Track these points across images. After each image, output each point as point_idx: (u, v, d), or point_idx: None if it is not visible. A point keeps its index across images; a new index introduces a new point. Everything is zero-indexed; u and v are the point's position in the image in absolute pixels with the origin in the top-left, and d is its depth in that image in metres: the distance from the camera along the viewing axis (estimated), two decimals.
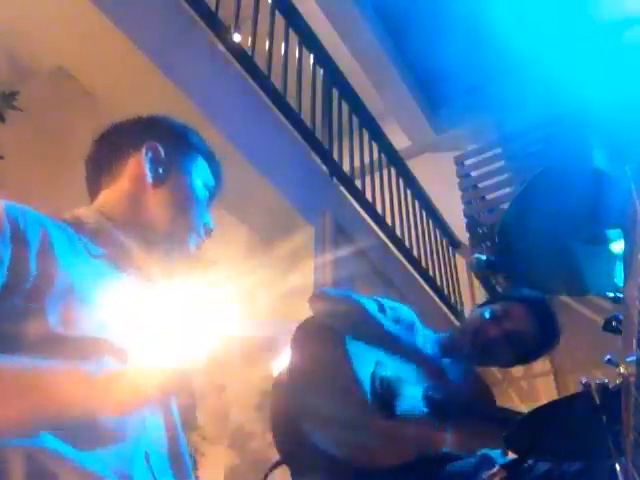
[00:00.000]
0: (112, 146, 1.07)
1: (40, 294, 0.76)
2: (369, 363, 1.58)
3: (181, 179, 1.06)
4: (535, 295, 1.77)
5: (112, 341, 0.81)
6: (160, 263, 1.03)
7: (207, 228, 1.10)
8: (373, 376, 1.56)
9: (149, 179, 1.03)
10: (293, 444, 1.48)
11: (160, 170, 1.04)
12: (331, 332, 1.58)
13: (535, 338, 1.76)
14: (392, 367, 1.61)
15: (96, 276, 0.86)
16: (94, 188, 1.07)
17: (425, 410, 1.61)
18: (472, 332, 1.77)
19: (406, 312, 1.78)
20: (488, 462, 1.51)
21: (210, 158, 1.13)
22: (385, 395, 1.55)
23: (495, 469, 1.41)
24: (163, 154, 1.05)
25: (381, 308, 1.68)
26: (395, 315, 1.70)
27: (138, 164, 1.04)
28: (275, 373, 1.61)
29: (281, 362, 1.59)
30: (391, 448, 1.50)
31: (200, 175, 1.09)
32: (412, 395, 1.61)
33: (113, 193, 1.03)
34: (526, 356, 1.81)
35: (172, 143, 1.08)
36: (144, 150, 1.04)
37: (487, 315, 1.78)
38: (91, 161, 1.09)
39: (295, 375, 1.52)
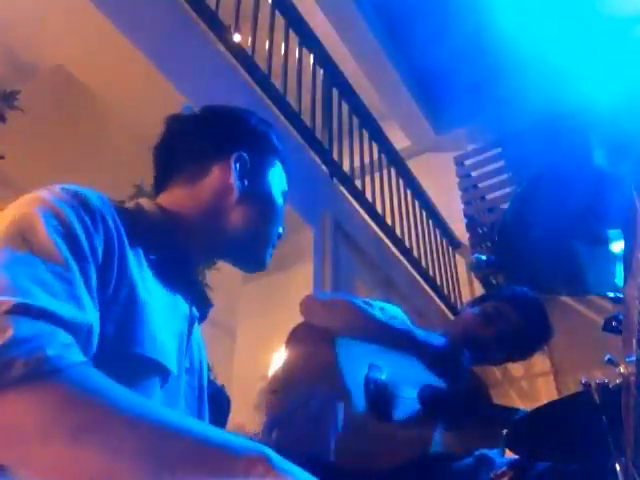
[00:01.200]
0: (194, 145, 0.99)
1: (110, 301, 0.72)
2: (362, 366, 1.58)
3: (264, 191, 1.00)
4: (525, 292, 1.77)
5: (158, 360, 0.76)
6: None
7: (278, 234, 1.04)
8: (367, 379, 1.55)
9: (236, 193, 0.96)
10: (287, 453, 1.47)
11: (246, 182, 0.97)
12: (322, 337, 1.57)
13: (526, 336, 1.76)
14: (387, 368, 1.61)
15: (149, 287, 0.81)
16: (162, 180, 0.99)
17: (421, 411, 1.61)
18: (463, 333, 1.77)
19: (396, 311, 1.77)
20: (486, 462, 1.51)
21: (286, 161, 1.06)
22: (380, 398, 1.54)
23: (503, 469, 1.41)
24: (249, 164, 0.98)
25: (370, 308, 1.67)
26: (385, 315, 1.70)
27: (224, 174, 0.96)
28: (271, 375, 1.60)
29: (277, 364, 1.59)
30: (388, 450, 1.49)
31: (278, 182, 1.03)
32: (408, 397, 1.60)
33: (187, 197, 0.95)
34: (519, 354, 1.82)
35: (257, 149, 1.01)
36: (232, 160, 0.97)
37: (478, 315, 1.78)
38: (165, 149, 1.01)
39: (287, 379, 1.51)
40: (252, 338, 3.00)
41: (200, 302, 0.97)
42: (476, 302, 1.87)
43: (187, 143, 0.99)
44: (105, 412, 0.56)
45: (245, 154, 0.98)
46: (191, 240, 0.92)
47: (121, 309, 0.73)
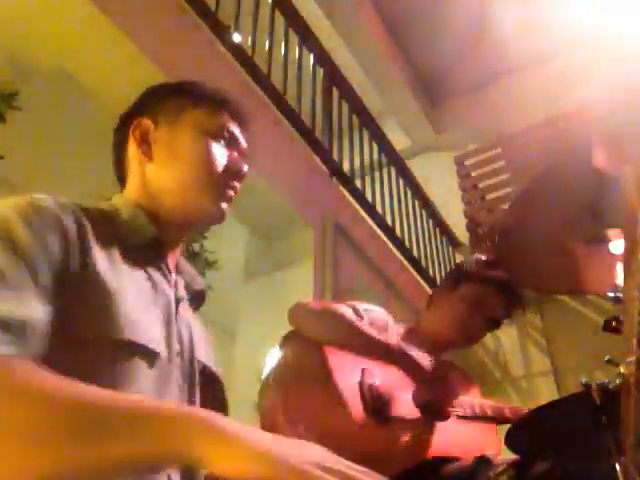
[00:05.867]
0: (117, 133, 1.02)
1: (73, 295, 0.73)
2: (355, 371, 1.57)
3: (175, 138, 0.96)
4: (482, 265, 1.83)
5: (139, 343, 0.77)
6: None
7: (235, 171, 0.97)
8: (361, 384, 1.55)
9: (142, 154, 0.96)
10: None
11: (150, 141, 0.96)
12: (313, 344, 1.57)
13: (506, 310, 1.84)
14: (379, 372, 1.60)
15: (125, 277, 0.82)
16: (120, 175, 1.02)
17: (417, 413, 1.60)
18: (458, 324, 1.79)
19: (380, 313, 1.77)
20: (486, 464, 1.50)
21: (202, 100, 1.00)
22: (376, 402, 1.54)
23: (502, 468, 1.41)
24: (152, 124, 0.97)
25: (357, 313, 1.67)
26: (370, 317, 1.70)
27: (130, 147, 0.98)
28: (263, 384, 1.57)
29: (269, 373, 1.57)
30: (389, 454, 1.49)
31: (195, 124, 0.97)
32: (403, 399, 1.60)
33: (131, 184, 0.98)
34: (506, 318, 1.89)
35: (159, 106, 0.99)
36: (131, 130, 0.98)
37: (459, 305, 1.80)
38: (112, 150, 1.04)
39: (281, 389, 1.50)
40: (252, 338, 3.00)
41: (188, 283, 0.98)
42: (443, 293, 1.87)
43: (115, 135, 1.02)
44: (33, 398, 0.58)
45: (143, 118, 0.98)
46: (156, 222, 0.93)
47: (90, 300, 0.75)
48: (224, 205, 0.96)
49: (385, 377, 1.61)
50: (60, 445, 0.56)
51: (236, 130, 1.02)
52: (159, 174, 0.95)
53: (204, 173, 0.94)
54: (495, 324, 1.83)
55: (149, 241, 0.91)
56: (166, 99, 1.00)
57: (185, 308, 0.95)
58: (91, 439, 0.56)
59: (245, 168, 0.99)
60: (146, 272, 0.88)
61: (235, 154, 0.99)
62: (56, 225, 0.76)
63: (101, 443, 0.56)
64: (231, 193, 0.97)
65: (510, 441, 1.44)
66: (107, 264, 0.80)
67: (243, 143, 1.03)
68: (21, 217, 0.74)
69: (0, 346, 0.61)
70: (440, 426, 1.61)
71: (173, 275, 0.94)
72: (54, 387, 0.59)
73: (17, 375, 0.59)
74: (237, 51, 2.87)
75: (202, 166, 0.95)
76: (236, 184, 0.98)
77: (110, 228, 0.87)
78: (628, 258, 0.96)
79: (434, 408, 1.61)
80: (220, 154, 0.97)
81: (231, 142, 1.00)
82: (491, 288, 1.80)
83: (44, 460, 0.55)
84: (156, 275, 0.90)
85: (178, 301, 0.92)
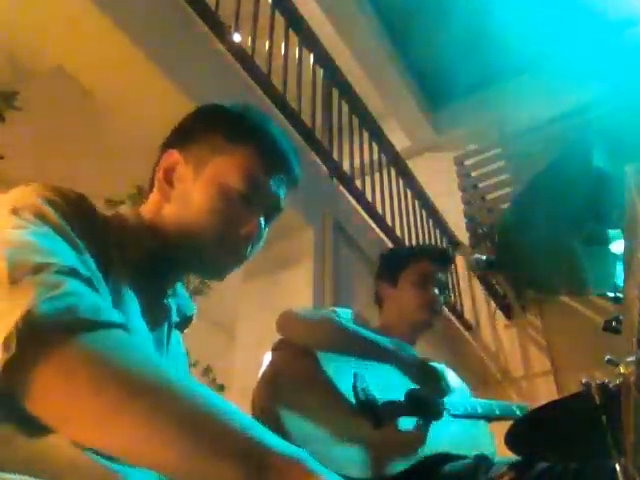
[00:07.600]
0: (159, 154, 0.95)
1: None
2: (347, 376, 1.58)
3: (195, 184, 0.88)
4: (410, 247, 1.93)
5: None
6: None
7: (245, 238, 0.89)
8: (355, 388, 1.55)
9: (162, 194, 0.90)
10: None
11: (173, 179, 0.89)
12: (304, 351, 1.57)
13: (445, 269, 2.00)
14: (371, 376, 1.61)
15: (122, 294, 0.79)
16: (150, 186, 0.95)
17: (412, 414, 1.61)
18: (420, 305, 1.83)
19: (346, 314, 1.78)
20: (486, 462, 1.51)
21: (234, 141, 0.91)
22: (372, 405, 1.54)
23: (503, 469, 1.41)
24: (182, 159, 0.90)
25: (338, 317, 1.68)
26: (347, 319, 1.72)
27: (159, 175, 0.91)
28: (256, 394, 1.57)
29: (262, 372, 1.57)
30: (389, 456, 1.49)
31: (219, 174, 0.88)
32: (397, 401, 1.60)
33: (150, 204, 0.92)
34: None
35: (192, 143, 0.91)
36: (162, 160, 0.92)
37: (411, 289, 1.85)
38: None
39: (276, 397, 1.49)
40: (252, 338, 3.00)
41: (180, 306, 0.94)
42: (390, 289, 1.89)
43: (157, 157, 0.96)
44: (154, 379, 0.58)
45: (176, 151, 0.90)
46: (159, 248, 0.87)
47: None
48: (230, 268, 0.90)
49: (378, 379, 1.61)
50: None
51: (272, 180, 0.92)
52: (172, 216, 0.88)
53: (211, 233, 0.86)
54: (445, 286, 1.94)
55: (150, 264, 0.86)
56: (203, 134, 0.92)
57: (175, 334, 0.93)
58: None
59: (260, 236, 0.91)
60: (141, 296, 0.83)
61: (258, 220, 0.90)
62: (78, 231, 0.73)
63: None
64: (236, 260, 0.90)
65: (510, 441, 1.44)
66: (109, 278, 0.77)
67: (276, 195, 0.93)
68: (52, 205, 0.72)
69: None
70: (435, 425, 1.62)
71: (167, 300, 0.90)
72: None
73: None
74: (237, 51, 2.87)
75: (211, 226, 0.86)
76: (244, 251, 0.90)
77: (114, 239, 0.82)
78: (628, 258, 0.96)
79: (427, 405, 1.62)
80: (234, 216, 0.88)
81: (259, 198, 0.90)
82: (423, 260, 1.89)
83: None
84: (151, 297, 0.85)
85: (170, 327, 0.89)
